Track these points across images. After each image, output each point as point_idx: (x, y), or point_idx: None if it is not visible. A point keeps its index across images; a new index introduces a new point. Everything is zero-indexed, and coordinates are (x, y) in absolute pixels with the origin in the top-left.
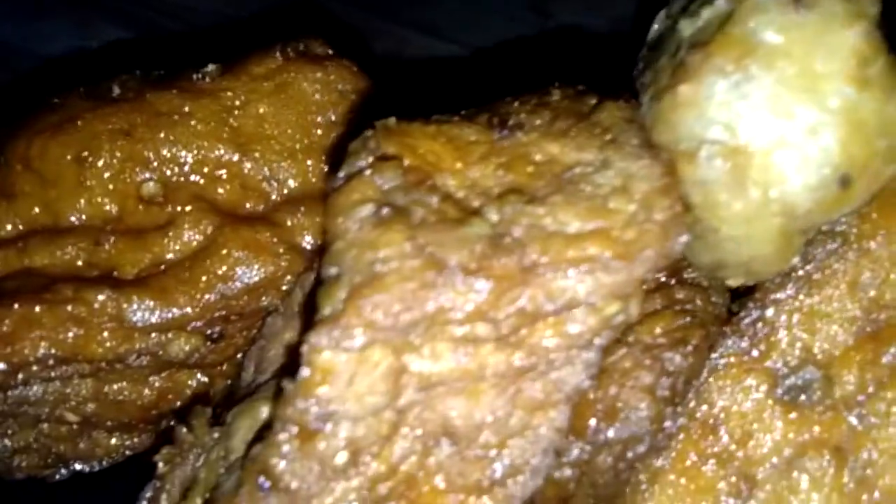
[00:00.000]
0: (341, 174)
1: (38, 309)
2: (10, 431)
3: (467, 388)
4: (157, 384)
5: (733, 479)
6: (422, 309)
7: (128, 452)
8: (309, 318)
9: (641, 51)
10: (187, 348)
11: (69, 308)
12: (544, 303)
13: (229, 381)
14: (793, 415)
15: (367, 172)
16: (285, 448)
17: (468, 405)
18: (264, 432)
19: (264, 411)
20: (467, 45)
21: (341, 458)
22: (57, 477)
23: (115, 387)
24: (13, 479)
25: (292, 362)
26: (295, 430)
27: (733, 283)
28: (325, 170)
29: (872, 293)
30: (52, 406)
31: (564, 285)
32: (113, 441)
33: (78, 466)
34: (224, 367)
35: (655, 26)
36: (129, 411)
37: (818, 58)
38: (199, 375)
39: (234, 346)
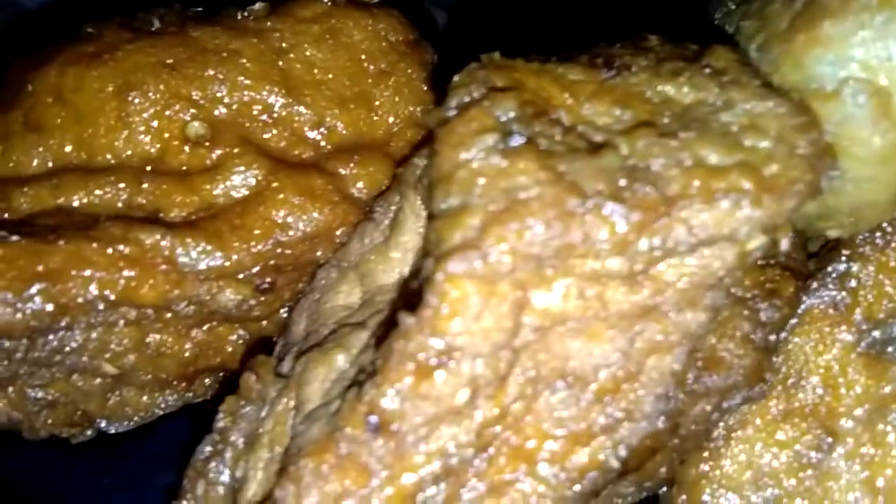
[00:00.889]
0: (452, 104)
1: (88, 247)
2: (40, 382)
3: (587, 329)
4: (198, 338)
5: (816, 431)
6: (564, 237)
7: (157, 412)
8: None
9: (715, 4)
10: (236, 298)
11: (120, 247)
12: (685, 237)
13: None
14: (877, 368)
15: (485, 103)
16: (399, 386)
17: (586, 346)
18: (360, 375)
19: (340, 360)
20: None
21: (462, 396)
22: (81, 438)
23: (157, 338)
24: (37, 437)
25: (405, 299)
26: (412, 366)
27: (833, 234)
28: (375, 118)
29: None
30: (91, 355)
31: (708, 218)
32: (144, 399)
33: (104, 426)
34: (265, 324)
35: None
36: (167, 366)
37: None
38: (239, 331)
39: (280, 300)
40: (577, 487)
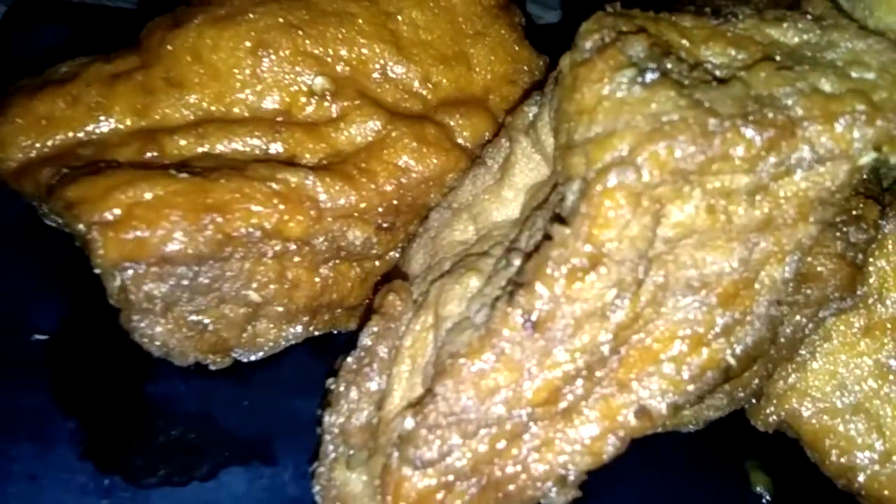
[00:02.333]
0: (587, 46)
1: (248, 184)
2: (196, 309)
3: (711, 240)
4: (325, 273)
5: None
6: (707, 153)
7: (283, 343)
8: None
9: None
10: (363, 235)
11: (272, 185)
12: (807, 154)
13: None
14: None
15: (618, 44)
16: (553, 289)
17: (710, 256)
18: (507, 287)
19: (474, 282)
20: None
21: (609, 295)
22: (220, 364)
23: (294, 271)
24: (185, 363)
25: (551, 217)
26: (565, 270)
27: None
28: (473, 75)
29: None
30: (242, 284)
31: (829, 137)
32: (274, 331)
33: (239, 354)
34: (378, 264)
35: None
36: (298, 298)
37: None
38: (357, 269)
39: (396, 240)
40: (697, 384)
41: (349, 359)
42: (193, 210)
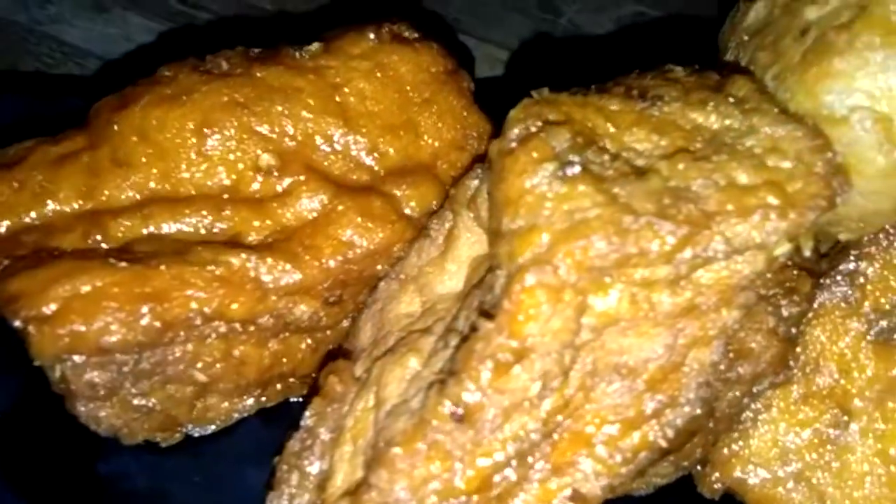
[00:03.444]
0: (513, 136)
1: (187, 270)
2: (140, 392)
3: (637, 327)
4: (274, 348)
5: (833, 411)
6: (622, 251)
7: (235, 416)
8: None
9: (728, 36)
10: (309, 311)
11: (213, 269)
12: (722, 246)
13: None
14: (885, 353)
15: (542, 135)
16: (480, 382)
17: (637, 343)
18: (440, 375)
19: (413, 362)
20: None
21: (535, 388)
22: (170, 441)
23: (242, 348)
24: (134, 441)
25: (479, 308)
26: (491, 364)
27: (843, 237)
28: (421, 143)
29: None
30: (186, 366)
31: (743, 230)
32: (224, 405)
33: (190, 429)
34: (329, 333)
35: (753, 14)
36: (248, 374)
37: None
38: (308, 340)
39: (345, 312)
40: (631, 466)
41: (291, 440)
42: (131, 300)
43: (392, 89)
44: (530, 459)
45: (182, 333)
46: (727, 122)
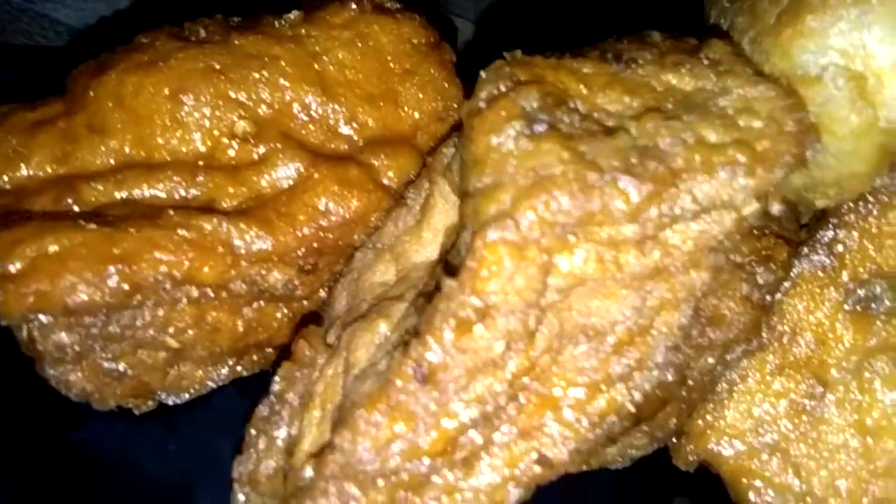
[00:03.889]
0: (482, 96)
1: (157, 233)
2: (111, 356)
3: (605, 289)
4: (248, 315)
5: (809, 381)
6: (586, 207)
7: (210, 385)
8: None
9: (712, 2)
10: (283, 278)
11: (183, 232)
12: (690, 205)
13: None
14: (862, 323)
15: (511, 94)
16: (443, 341)
17: (604, 304)
18: (405, 336)
19: (383, 328)
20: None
21: (498, 347)
22: (143, 408)
23: (214, 315)
24: (105, 407)
25: (445, 267)
26: (454, 323)
27: (820, 203)
28: (402, 114)
29: None
30: (157, 330)
31: (711, 188)
32: (199, 373)
33: (163, 397)
34: (306, 303)
35: None
36: (221, 341)
37: None
38: (284, 309)
39: (321, 281)
40: (598, 431)
41: (260, 406)
42: (98, 261)
43: (372, 59)
44: (496, 422)
45: (151, 297)
46: (701, 83)
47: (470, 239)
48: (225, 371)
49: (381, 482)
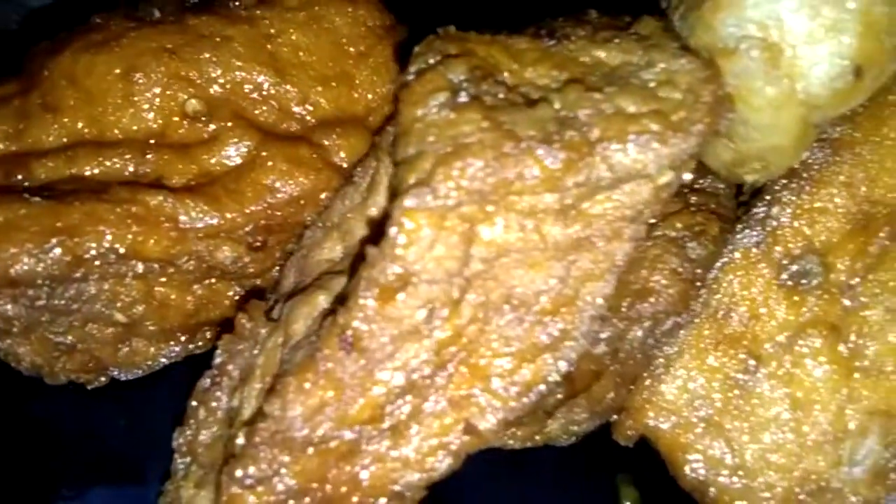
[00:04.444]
0: (412, 69)
1: (101, 206)
2: (59, 329)
3: (528, 259)
4: (199, 292)
5: (742, 356)
6: (501, 175)
7: (163, 361)
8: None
9: None
10: (232, 255)
11: (128, 207)
12: (606, 174)
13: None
14: (795, 298)
15: (439, 67)
16: (367, 309)
17: (528, 274)
18: (334, 305)
19: (322, 300)
20: None
21: (420, 315)
22: (95, 383)
23: (162, 291)
24: (56, 382)
25: (374, 235)
26: (377, 291)
27: (749, 178)
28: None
29: (863, 190)
30: (104, 305)
31: (626, 157)
32: (151, 349)
33: (116, 373)
34: (259, 281)
35: None
36: (172, 317)
37: None
38: (236, 287)
39: (272, 258)
40: (525, 400)
41: (203, 378)
42: (41, 232)
43: (327, 41)
44: (426, 392)
45: (96, 270)
46: (628, 57)
47: (391, 206)
48: (178, 348)
49: (311, 450)
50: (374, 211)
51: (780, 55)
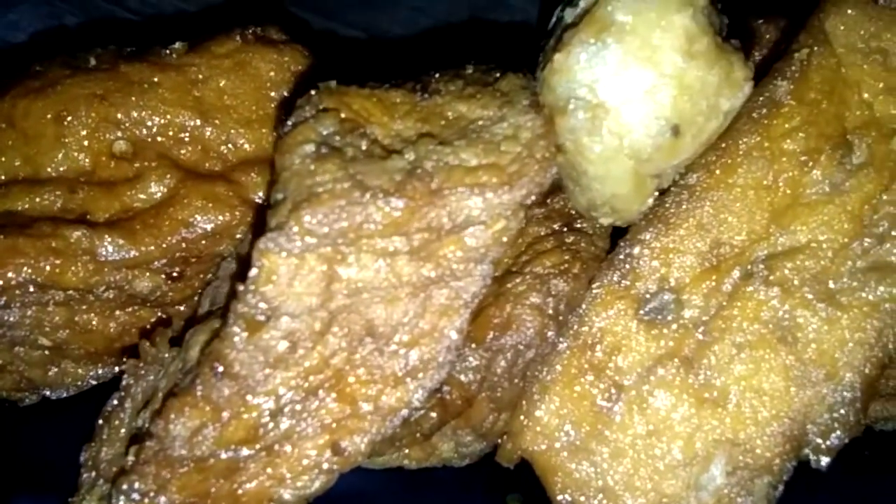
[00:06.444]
0: (289, 122)
1: (21, 240)
2: None
3: (387, 295)
4: (122, 318)
5: (606, 385)
6: (349, 220)
7: (92, 382)
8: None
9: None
10: (150, 285)
11: (49, 241)
12: (447, 220)
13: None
14: (653, 332)
15: (311, 121)
16: (236, 339)
17: (387, 310)
18: (216, 335)
19: (218, 327)
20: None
21: (282, 346)
22: (27, 402)
23: (85, 317)
24: None
25: (244, 270)
26: (244, 323)
27: (605, 221)
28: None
29: (714, 233)
30: (29, 330)
31: (463, 205)
32: (80, 371)
33: (46, 392)
34: (182, 308)
35: (553, 18)
36: (96, 341)
37: (656, 34)
38: (159, 314)
39: (192, 288)
40: (389, 424)
41: (111, 398)
42: None
43: (251, 86)
44: (299, 415)
45: (18, 299)
46: (485, 112)
47: (251, 248)
48: (105, 370)
49: (192, 467)
50: (246, 247)
51: (605, 114)
